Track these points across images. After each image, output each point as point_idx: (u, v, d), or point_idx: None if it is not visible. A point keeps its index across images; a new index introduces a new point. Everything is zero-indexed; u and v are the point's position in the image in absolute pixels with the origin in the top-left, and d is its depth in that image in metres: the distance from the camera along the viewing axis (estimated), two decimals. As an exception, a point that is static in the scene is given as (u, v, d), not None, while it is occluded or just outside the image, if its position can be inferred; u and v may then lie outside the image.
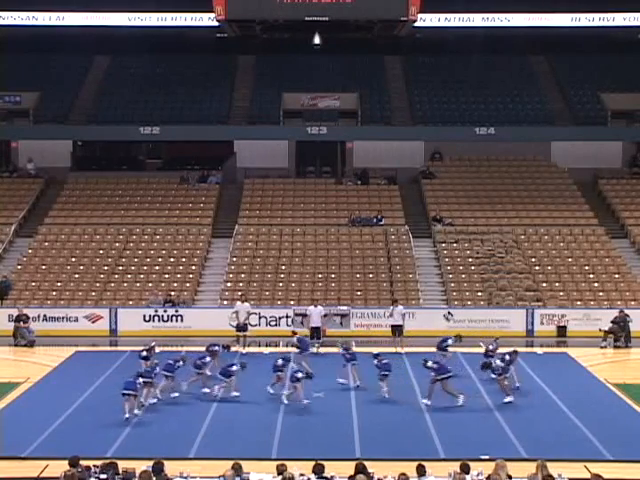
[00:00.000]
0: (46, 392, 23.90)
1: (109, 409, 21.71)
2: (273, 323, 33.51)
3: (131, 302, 35.00)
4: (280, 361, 23.27)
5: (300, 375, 22.29)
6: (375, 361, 23.45)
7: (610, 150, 44.46)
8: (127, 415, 20.58)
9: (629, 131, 44.59)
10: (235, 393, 22.59)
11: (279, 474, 14.68)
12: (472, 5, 42.89)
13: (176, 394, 22.90)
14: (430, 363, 22.51)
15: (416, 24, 40.62)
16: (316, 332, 30.04)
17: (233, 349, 27.63)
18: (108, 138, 44.62)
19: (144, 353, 24.85)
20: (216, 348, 25.30)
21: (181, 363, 23.60)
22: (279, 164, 44.88)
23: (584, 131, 43.46)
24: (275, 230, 39.94)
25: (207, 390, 22.88)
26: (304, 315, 31.62)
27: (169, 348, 29.69)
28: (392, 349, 29.12)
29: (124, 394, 20.78)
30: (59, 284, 36.14)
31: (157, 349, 26.57)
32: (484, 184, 43.53)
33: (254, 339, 30.19)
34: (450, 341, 26.16)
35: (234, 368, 22.66)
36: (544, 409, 22.14)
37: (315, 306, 30.99)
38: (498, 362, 23.08)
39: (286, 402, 22.12)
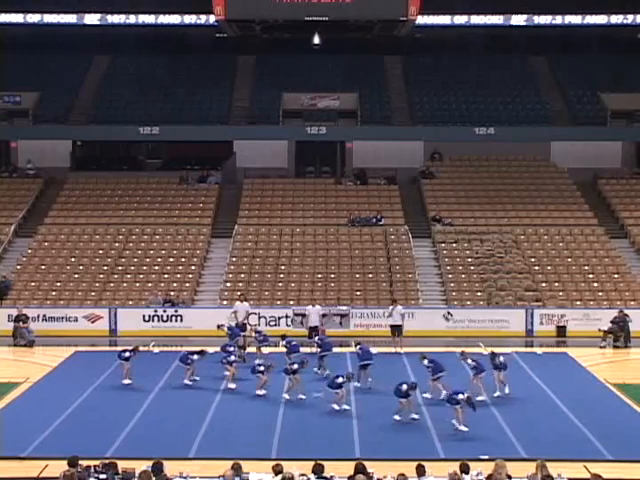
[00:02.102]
0: (46, 392, 23.91)
1: (109, 409, 21.79)
2: (273, 323, 33.50)
3: (130, 302, 34.99)
4: (296, 365, 23.06)
5: (296, 367, 22.66)
6: (425, 362, 23.29)
7: (610, 150, 44.44)
8: (186, 382, 23.99)
9: (629, 131, 44.57)
10: (346, 407, 21.73)
11: (276, 474, 14.69)
12: (472, 5, 42.94)
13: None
14: (470, 361, 22.91)
15: (416, 23, 40.61)
16: (314, 332, 30.01)
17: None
18: (108, 138, 44.60)
19: (126, 354, 24.63)
20: (231, 349, 25.46)
21: (195, 357, 24.33)
22: (279, 164, 44.89)
23: (584, 131, 43.45)
24: (275, 230, 39.94)
25: (336, 406, 21.74)
26: (303, 315, 31.68)
27: (168, 348, 29.75)
28: (391, 349, 29.14)
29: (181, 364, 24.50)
30: (58, 284, 36.14)
31: (156, 349, 26.61)
32: (484, 184, 43.53)
33: (253, 339, 30.14)
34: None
35: (340, 380, 21.69)
36: (544, 409, 22.16)
37: (313, 306, 31.01)
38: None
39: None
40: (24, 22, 43.69)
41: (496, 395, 22.77)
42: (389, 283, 36.35)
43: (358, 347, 24.95)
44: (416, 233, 39.60)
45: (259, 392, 22.99)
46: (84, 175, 44.19)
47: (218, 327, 28.35)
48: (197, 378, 24.46)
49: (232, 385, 23.67)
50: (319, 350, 26.01)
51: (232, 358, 24.09)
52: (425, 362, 22.98)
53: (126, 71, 47.77)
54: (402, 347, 29.41)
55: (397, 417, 20.68)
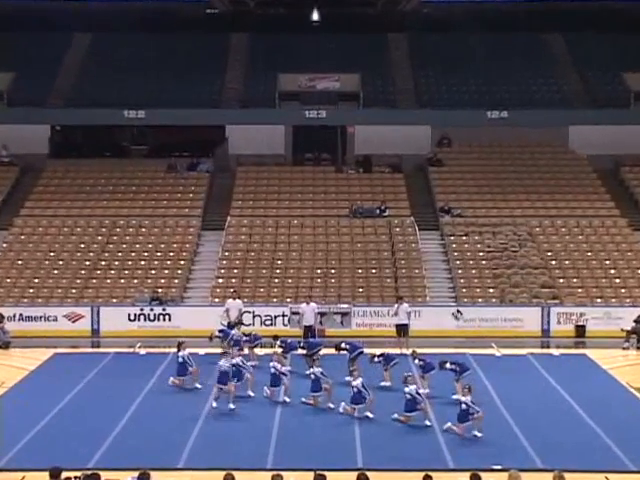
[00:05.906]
0: (22, 398, 23.88)
1: (91, 415, 21.79)
2: (268, 322, 33.55)
3: (115, 300, 35.04)
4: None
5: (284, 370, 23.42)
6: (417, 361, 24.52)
7: (633, 135, 44.30)
8: (198, 385, 24.08)
9: (654, 114, 44.63)
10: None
11: (274, 484, 14.68)
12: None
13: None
14: (448, 364, 23.58)
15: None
16: (309, 331, 29.95)
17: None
18: (89, 122, 44.61)
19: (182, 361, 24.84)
20: (245, 352, 25.68)
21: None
22: (274, 150, 44.90)
23: (604, 114, 43.49)
24: (270, 222, 39.98)
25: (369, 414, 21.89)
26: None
27: (155, 349, 29.75)
28: (397, 350, 29.12)
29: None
30: (36, 281, 36.15)
31: (142, 351, 26.58)
32: (496, 172, 43.58)
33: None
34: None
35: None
36: (561, 415, 22.20)
37: (308, 303, 30.81)
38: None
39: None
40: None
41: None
42: (394, 279, 36.41)
43: (418, 360, 24.88)
44: (423, 225, 39.66)
45: (286, 399, 23.05)
46: (64, 163, 44.22)
47: (210, 339, 28.17)
48: (199, 386, 24.42)
49: (251, 393, 23.66)
50: (306, 351, 26.44)
51: (251, 366, 24.40)
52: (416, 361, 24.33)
53: (109, 50, 47.80)
54: (408, 348, 29.34)
55: (427, 422, 20.95)
